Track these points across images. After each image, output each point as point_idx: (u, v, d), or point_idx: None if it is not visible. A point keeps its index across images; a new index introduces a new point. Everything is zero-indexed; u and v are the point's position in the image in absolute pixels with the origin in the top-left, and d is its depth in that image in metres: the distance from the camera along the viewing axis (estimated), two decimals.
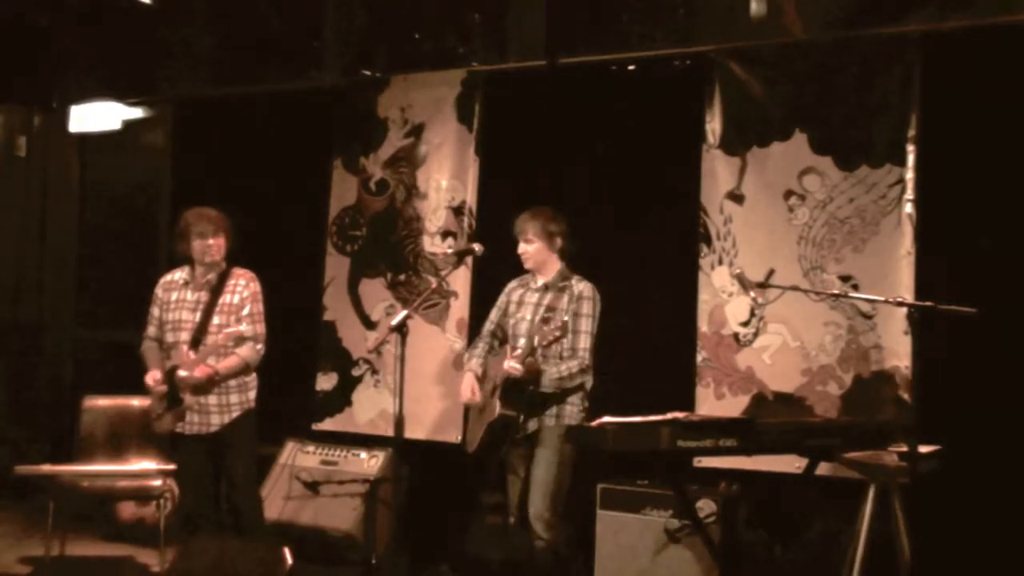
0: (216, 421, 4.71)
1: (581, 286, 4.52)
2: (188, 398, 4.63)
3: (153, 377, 4.68)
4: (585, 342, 4.45)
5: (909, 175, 4.75)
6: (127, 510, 5.79)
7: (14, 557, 5.53)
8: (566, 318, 4.32)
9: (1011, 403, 4.49)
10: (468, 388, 4.55)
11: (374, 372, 6.00)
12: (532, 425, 4.44)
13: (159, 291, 4.88)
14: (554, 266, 4.58)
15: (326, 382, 6.09)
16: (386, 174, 6.08)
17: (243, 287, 4.78)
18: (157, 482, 5.16)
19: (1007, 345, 4.49)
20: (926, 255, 4.70)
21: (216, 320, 4.70)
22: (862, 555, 4.07)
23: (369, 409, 5.99)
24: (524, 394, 4.33)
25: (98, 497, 5.43)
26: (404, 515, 4.32)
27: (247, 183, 6.38)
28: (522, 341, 4.40)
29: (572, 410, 4.46)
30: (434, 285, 5.65)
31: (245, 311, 4.74)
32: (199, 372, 4.59)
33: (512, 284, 4.76)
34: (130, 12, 6.84)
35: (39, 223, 7.73)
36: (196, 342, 4.69)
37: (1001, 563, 4.43)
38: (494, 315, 4.76)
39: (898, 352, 4.71)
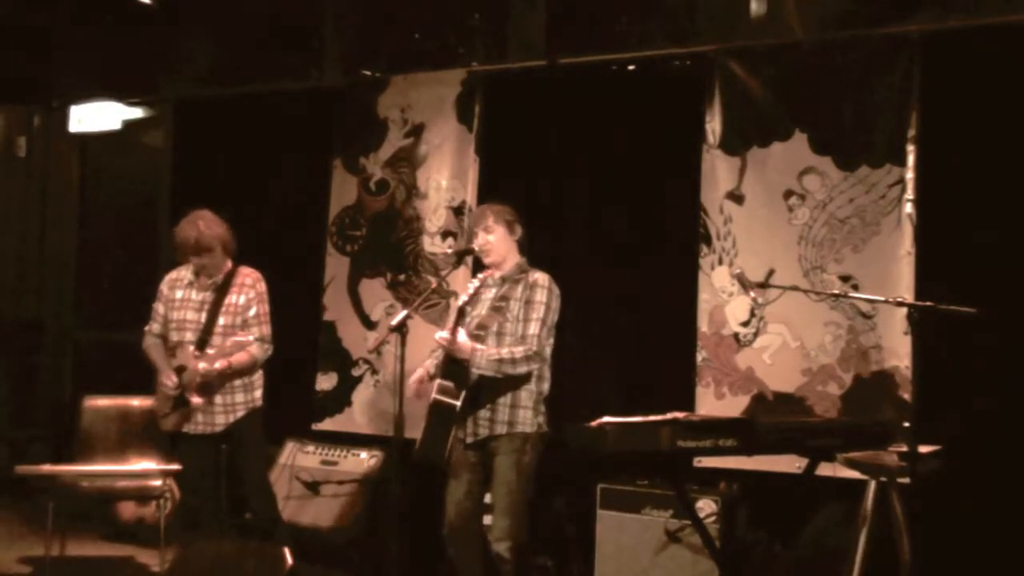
0: (221, 421, 4.70)
1: (536, 275, 4.35)
2: (195, 399, 4.62)
3: (170, 379, 4.65)
4: (535, 329, 4.23)
5: (909, 175, 4.75)
6: (127, 510, 5.80)
7: (14, 557, 5.53)
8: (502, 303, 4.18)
9: (1011, 403, 4.49)
10: (416, 376, 4.35)
11: (374, 372, 6.00)
12: (483, 431, 4.24)
13: (164, 288, 4.85)
14: (513, 260, 4.42)
15: (326, 382, 6.09)
16: (386, 174, 6.08)
17: (249, 287, 4.75)
18: (157, 482, 5.16)
19: (1007, 345, 4.49)
20: (926, 255, 4.70)
21: (222, 321, 4.69)
22: (862, 555, 4.07)
23: (369, 409, 5.99)
24: (461, 383, 4.15)
25: (98, 497, 5.43)
26: (404, 515, 4.33)
27: (247, 183, 6.39)
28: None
29: (526, 416, 4.24)
30: (434, 285, 5.65)
31: (251, 312, 4.71)
32: (209, 363, 4.55)
33: (472, 283, 4.62)
34: (130, 12, 6.84)
35: (39, 223, 7.74)
36: (202, 343, 4.67)
37: (1001, 563, 4.43)
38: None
39: (898, 352, 4.71)
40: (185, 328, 4.72)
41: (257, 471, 4.86)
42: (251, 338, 4.66)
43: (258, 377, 4.82)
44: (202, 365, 4.56)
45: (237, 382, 4.72)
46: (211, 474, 4.79)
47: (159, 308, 4.85)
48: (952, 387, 4.56)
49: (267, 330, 4.76)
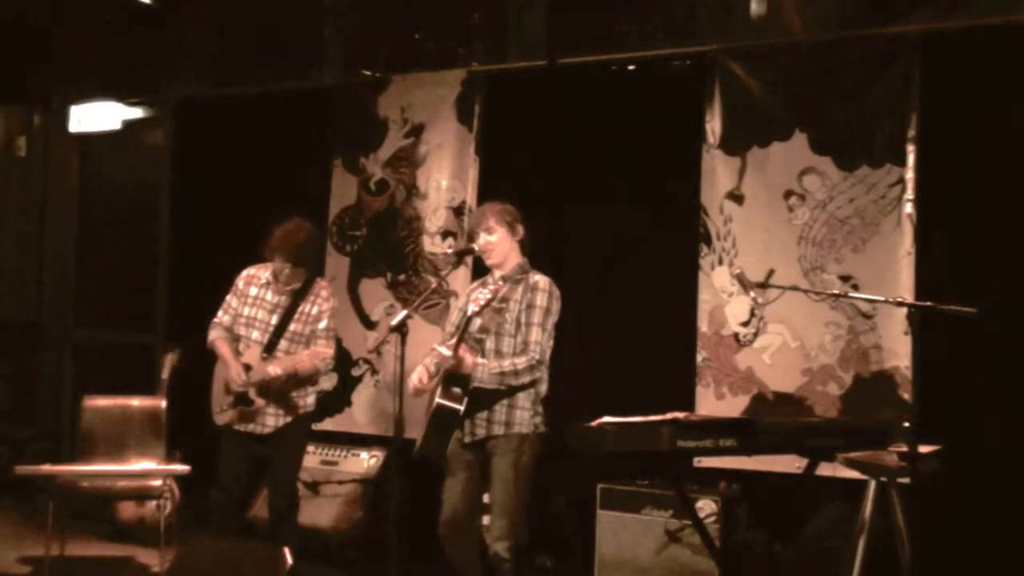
0: (271, 423, 4.71)
1: (537, 278, 4.29)
2: (259, 400, 4.62)
3: (239, 376, 4.63)
4: (537, 335, 4.19)
5: (909, 175, 4.75)
6: (127, 510, 5.79)
7: (14, 557, 5.53)
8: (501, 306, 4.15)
9: (1011, 403, 4.49)
10: (416, 376, 4.27)
11: (374, 372, 6.00)
12: (480, 432, 4.21)
13: (240, 283, 4.85)
14: (515, 260, 4.37)
15: (326, 382, 6.07)
16: (386, 174, 6.08)
17: (324, 299, 4.77)
18: (157, 482, 5.17)
19: (1007, 345, 4.49)
20: (926, 255, 4.70)
21: (293, 327, 4.70)
22: (862, 555, 4.07)
23: (369, 409, 5.99)
24: (465, 387, 4.11)
25: (98, 497, 5.43)
26: (404, 515, 4.33)
27: (247, 183, 6.39)
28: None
29: (523, 416, 4.19)
30: (434, 285, 5.65)
31: (322, 324, 4.73)
32: (281, 368, 4.56)
33: (473, 285, 4.63)
34: (130, 12, 6.84)
35: (39, 223, 7.75)
36: (271, 345, 4.68)
37: (1001, 563, 4.44)
38: (456, 317, 4.55)
39: (898, 352, 4.71)
40: (253, 326, 4.73)
41: (291, 473, 4.86)
42: (331, 351, 4.67)
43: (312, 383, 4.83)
44: (271, 368, 4.55)
45: (293, 390, 4.72)
46: (244, 475, 4.79)
47: (232, 301, 4.83)
48: (952, 387, 4.56)
49: (333, 344, 4.76)
